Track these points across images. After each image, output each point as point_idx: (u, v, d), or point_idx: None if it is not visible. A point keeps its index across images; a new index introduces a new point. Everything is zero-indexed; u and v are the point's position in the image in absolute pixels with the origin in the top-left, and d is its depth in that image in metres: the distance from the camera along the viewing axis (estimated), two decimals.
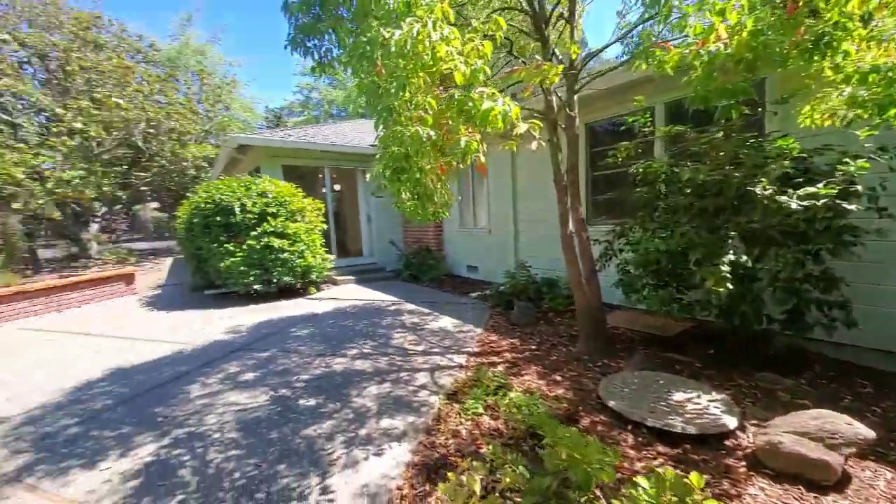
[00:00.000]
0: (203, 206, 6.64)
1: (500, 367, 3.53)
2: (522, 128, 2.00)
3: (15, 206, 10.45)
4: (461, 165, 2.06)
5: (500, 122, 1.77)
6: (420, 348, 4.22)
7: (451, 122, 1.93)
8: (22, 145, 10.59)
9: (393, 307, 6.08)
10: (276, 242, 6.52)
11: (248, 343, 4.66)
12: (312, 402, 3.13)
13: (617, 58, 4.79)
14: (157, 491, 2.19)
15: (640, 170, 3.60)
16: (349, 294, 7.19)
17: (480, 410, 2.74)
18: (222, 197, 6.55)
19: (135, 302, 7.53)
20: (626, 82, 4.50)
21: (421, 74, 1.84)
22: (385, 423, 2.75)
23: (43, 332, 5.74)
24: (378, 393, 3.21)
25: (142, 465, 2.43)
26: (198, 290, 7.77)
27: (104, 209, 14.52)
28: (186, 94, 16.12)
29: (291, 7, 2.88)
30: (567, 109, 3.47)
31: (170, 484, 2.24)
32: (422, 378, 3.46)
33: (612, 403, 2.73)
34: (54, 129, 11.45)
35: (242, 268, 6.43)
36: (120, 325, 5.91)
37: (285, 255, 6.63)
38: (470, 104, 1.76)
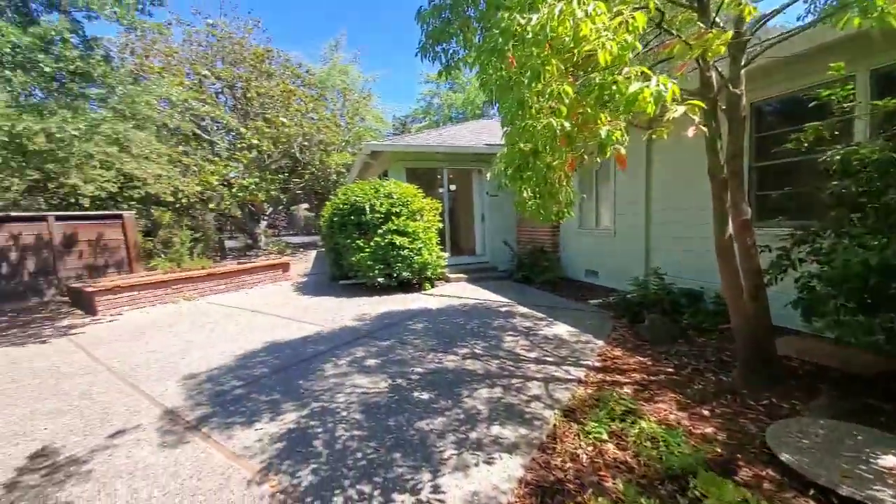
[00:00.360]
0: (341, 206, 7.53)
1: (626, 389, 3.11)
2: (678, 111, 1.66)
3: (211, 206, 13.51)
4: (598, 159, 1.81)
5: (650, 106, 1.49)
6: (533, 355, 4.01)
7: (589, 111, 1.71)
8: (216, 159, 13.60)
9: (504, 308, 5.95)
10: (398, 240, 7.00)
11: (372, 331, 5.07)
12: (425, 395, 3.21)
13: (800, 19, 3.77)
14: (296, 456, 2.48)
15: (838, 157, 2.76)
16: (461, 292, 7.31)
17: (604, 436, 2.43)
18: (356, 199, 7.32)
19: (288, 287, 8.93)
20: (813, 47, 3.54)
21: (554, 62, 1.66)
22: (495, 430, 2.65)
23: (224, 306, 7.20)
24: (489, 397, 3.13)
25: (286, 430, 2.79)
26: (334, 280, 8.83)
27: (270, 209, 17.72)
28: (332, 110, 18.59)
29: (424, 14, 3.01)
30: (730, 86, 2.85)
31: (305, 452, 2.52)
32: (535, 388, 3.26)
33: (785, 457, 2.14)
34: (238, 145, 14.39)
35: (370, 262, 7.08)
36: (277, 305, 7.06)
37: (405, 251, 7.07)
38: (613, 88, 1.52)
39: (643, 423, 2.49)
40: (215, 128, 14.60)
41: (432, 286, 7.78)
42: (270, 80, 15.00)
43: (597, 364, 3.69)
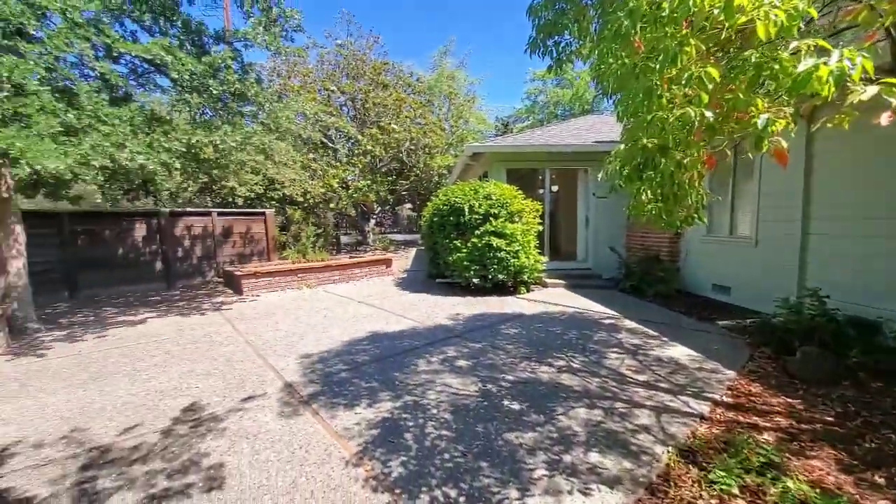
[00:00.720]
0: (441, 207, 7.76)
1: (766, 435, 2.55)
2: (867, 93, 1.26)
3: (331, 206, 15.21)
4: (751, 154, 1.49)
5: (827, 87, 1.15)
6: (641, 378, 3.56)
7: (740, 97, 1.40)
8: (338, 164, 15.24)
9: (608, 321, 5.45)
10: (495, 242, 6.93)
11: (464, 332, 5.09)
12: (516, 406, 3.08)
13: None
14: (388, 445, 2.58)
15: None
16: (558, 299, 6.93)
17: (734, 490, 2.01)
18: (455, 199, 7.46)
19: (390, 281, 9.54)
20: None
21: (693, 42, 1.39)
22: (594, 457, 2.40)
23: (336, 295, 7.99)
24: (587, 418, 2.87)
25: (380, 418, 2.94)
26: (431, 277, 9.16)
27: (379, 209, 19.25)
28: (438, 114, 19.38)
29: (536, 8, 2.91)
30: None
31: (396, 443, 2.61)
32: (643, 417, 2.88)
33: None
34: (356, 151, 15.91)
35: (466, 262, 7.15)
36: (380, 298, 7.58)
37: (502, 254, 6.96)
38: (775, 66, 1.21)
39: (790, 482, 2.00)
40: (338, 136, 16.37)
41: (528, 290, 7.53)
42: (385, 90, 16.25)
43: (726, 399, 3.12)
